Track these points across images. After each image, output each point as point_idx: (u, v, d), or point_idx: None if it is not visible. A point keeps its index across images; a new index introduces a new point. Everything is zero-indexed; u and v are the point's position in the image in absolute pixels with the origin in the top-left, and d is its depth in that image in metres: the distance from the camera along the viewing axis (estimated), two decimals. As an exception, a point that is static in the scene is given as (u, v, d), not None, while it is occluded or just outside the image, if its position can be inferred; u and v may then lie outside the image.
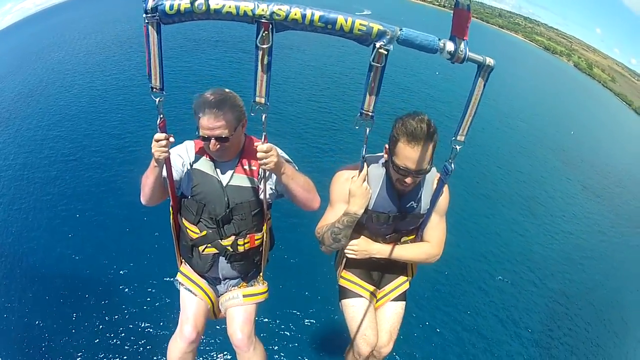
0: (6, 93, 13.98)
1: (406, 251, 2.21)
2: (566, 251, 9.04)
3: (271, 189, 2.12)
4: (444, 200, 2.07)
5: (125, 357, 4.57)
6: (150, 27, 1.45)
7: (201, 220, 2.11)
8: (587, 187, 13.70)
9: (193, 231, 2.15)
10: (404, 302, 2.45)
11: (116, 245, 6.17)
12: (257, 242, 2.23)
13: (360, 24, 1.38)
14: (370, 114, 1.60)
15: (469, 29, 1.39)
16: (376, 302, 2.43)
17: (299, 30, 1.44)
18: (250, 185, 2.09)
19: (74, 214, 6.95)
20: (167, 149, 1.81)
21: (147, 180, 1.97)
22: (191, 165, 2.06)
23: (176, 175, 2.03)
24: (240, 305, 2.32)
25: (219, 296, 2.40)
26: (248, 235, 2.17)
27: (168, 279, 5.14)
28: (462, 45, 1.41)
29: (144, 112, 10.81)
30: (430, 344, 5.42)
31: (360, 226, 2.12)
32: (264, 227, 2.21)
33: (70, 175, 8.18)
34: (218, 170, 2.07)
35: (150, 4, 1.39)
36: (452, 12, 1.42)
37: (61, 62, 17.28)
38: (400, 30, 1.41)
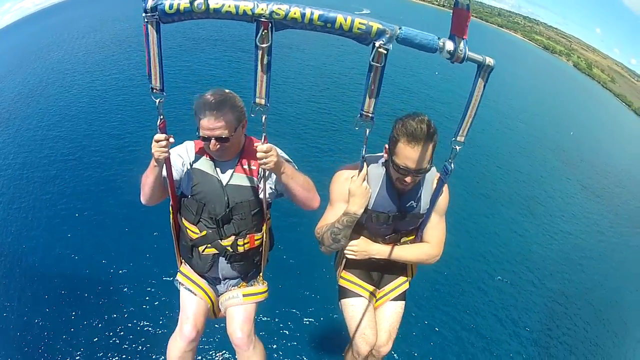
0: (6, 93, 13.94)
1: (406, 251, 2.21)
2: (565, 251, 9.04)
3: (271, 188, 2.13)
4: (443, 200, 2.08)
5: (124, 356, 4.57)
6: (149, 26, 1.46)
7: (201, 220, 2.12)
8: (587, 187, 13.70)
9: (193, 231, 2.15)
10: (403, 302, 2.46)
11: (116, 245, 6.16)
12: (256, 242, 2.23)
13: (359, 23, 1.38)
14: (370, 115, 1.60)
15: (469, 28, 1.40)
16: (376, 301, 2.44)
17: (298, 29, 1.44)
18: (250, 184, 2.09)
19: (74, 213, 6.93)
20: (167, 149, 1.82)
21: (147, 180, 1.98)
22: (191, 165, 2.07)
23: (176, 175, 2.04)
24: (240, 305, 2.33)
25: (219, 296, 2.40)
26: (248, 235, 2.17)
27: (168, 278, 5.14)
28: (461, 45, 1.41)
29: (144, 111, 10.79)
30: (429, 343, 5.42)
31: (360, 226, 2.12)
32: (264, 227, 2.21)
33: (70, 174, 8.16)
34: (218, 170, 2.08)
35: (150, 3, 1.39)
36: (451, 11, 1.42)
37: (60, 61, 17.24)
38: (400, 29, 1.41)
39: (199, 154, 2.09)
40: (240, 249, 2.18)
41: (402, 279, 2.46)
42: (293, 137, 10.44)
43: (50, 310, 5.12)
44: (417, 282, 2.62)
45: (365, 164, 1.96)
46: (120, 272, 5.66)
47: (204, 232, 2.14)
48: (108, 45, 19.09)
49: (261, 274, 2.40)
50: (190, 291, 2.30)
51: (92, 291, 5.36)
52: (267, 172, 1.95)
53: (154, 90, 1.60)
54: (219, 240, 2.15)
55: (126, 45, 18.58)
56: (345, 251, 2.15)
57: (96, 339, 4.73)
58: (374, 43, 1.42)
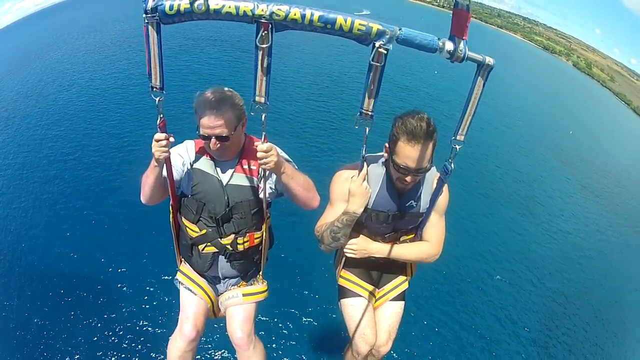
0: (5, 92, 13.94)
1: (405, 250, 2.21)
2: (565, 250, 9.04)
3: (271, 188, 2.13)
4: (443, 199, 2.08)
5: (124, 356, 4.57)
6: (150, 27, 1.46)
7: (201, 219, 2.12)
8: (586, 186, 13.71)
9: (193, 230, 2.16)
10: (402, 302, 2.46)
11: (115, 244, 6.16)
12: (256, 241, 2.23)
13: (359, 24, 1.38)
14: (369, 113, 1.61)
15: (468, 29, 1.40)
16: (375, 301, 2.44)
17: (298, 30, 1.44)
18: (250, 184, 2.10)
19: (73, 212, 6.93)
20: (167, 148, 1.81)
21: (147, 180, 1.98)
22: (191, 165, 2.07)
23: (176, 175, 2.04)
24: (240, 304, 2.33)
25: (219, 295, 2.40)
26: (248, 234, 2.18)
27: (167, 278, 5.14)
28: (461, 45, 1.42)
29: (143, 111, 10.79)
30: (428, 342, 5.43)
31: (360, 225, 2.13)
32: (264, 226, 2.21)
33: (70, 174, 8.16)
34: (218, 170, 2.08)
35: (150, 4, 1.39)
36: (450, 12, 1.43)
37: (60, 61, 17.24)
38: (400, 29, 1.41)
39: (199, 153, 2.09)
40: (240, 248, 2.19)
41: (401, 278, 2.46)
42: (293, 136, 10.45)
43: (50, 310, 5.12)
44: (417, 281, 2.63)
45: (365, 163, 1.97)
46: (119, 271, 5.66)
47: (203, 231, 2.14)
48: (108, 45, 19.10)
49: (261, 273, 2.40)
50: (190, 290, 2.30)
51: (92, 290, 5.36)
52: (267, 172, 1.95)
53: (154, 89, 1.61)
54: (219, 239, 2.15)
55: (126, 46, 18.58)
56: (345, 250, 2.16)
57: (96, 338, 4.73)
58: (374, 43, 1.42)
